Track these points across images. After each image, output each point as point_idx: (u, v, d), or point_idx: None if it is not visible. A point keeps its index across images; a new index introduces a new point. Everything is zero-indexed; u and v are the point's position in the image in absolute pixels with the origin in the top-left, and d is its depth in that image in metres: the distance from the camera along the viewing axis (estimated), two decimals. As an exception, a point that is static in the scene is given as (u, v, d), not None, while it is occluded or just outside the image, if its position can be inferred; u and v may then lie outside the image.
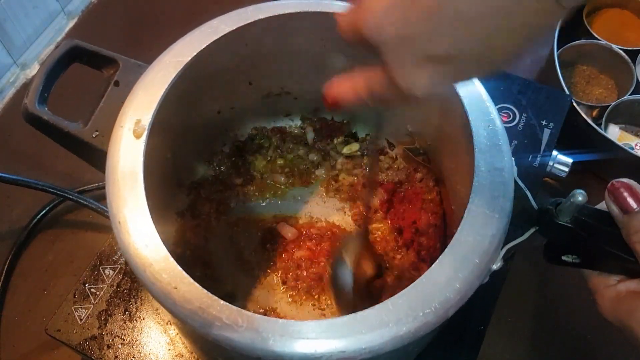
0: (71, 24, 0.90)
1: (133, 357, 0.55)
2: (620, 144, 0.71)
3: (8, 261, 0.69)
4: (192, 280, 0.39)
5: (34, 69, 0.85)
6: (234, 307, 0.38)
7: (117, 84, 0.50)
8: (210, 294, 0.38)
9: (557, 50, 0.78)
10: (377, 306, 0.38)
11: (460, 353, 0.56)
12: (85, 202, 0.67)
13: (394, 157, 0.65)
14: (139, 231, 0.41)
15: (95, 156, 0.48)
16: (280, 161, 0.66)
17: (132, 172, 0.43)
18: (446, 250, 0.40)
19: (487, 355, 0.59)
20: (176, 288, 0.38)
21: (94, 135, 0.48)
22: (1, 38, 0.79)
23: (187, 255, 0.59)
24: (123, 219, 0.41)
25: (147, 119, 0.46)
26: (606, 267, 0.42)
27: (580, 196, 0.39)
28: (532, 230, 0.44)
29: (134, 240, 0.40)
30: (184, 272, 0.39)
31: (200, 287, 0.38)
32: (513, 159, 0.45)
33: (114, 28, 0.91)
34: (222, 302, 0.38)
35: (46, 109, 0.49)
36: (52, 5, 0.86)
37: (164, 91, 0.47)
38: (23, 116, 0.49)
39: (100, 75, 0.52)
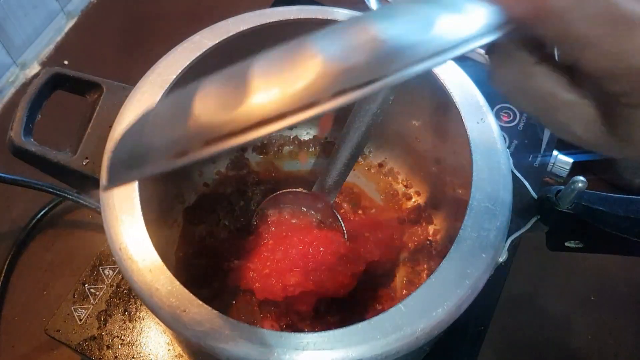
0: (71, 23, 0.89)
1: (133, 357, 0.55)
2: (621, 143, 0.70)
3: (7, 261, 0.68)
4: (200, 302, 0.38)
5: (33, 69, 0.84)
6: (246, 325, 0.37)
7: (103, 108, 0.49)
8: (220, 314, 0.38)
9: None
10: (389, 310, 0.38)
11: (460, 354, 0.56)
12: (84, 202, 0.66)
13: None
14: (141, 256, 0.40)
15: (88, 184, 0.47)
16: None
17: (128, 196, 0.43)
18: (453, 247, 0.40)
19: (487, 356, 0.59)
20: (185, 311, 0.38)
21: (84, 163, 0.47)
22: (1, 38, 0.78)
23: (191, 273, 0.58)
24: (124, 245, 0.41)
25: (138, 142, 0.45)
26: (610, 250, 0.42)
27: (580, 182, 0.39)
28: (533, 220, 0.44)
29: (138, 266, 0.40)
30: (191, 295, 0.38)
31: (210, 308, 0.38)
32: (508, 150, 0.46)
33: (114, 28, 0.90)
34: (234, 321, 0.37)
35: (32, 140, 0.48)
36: (52, 5, 0.85)
37: (152, 111, 0.46)
38: (9, 150, 0.47)
39: (85, 100, 0.51)
